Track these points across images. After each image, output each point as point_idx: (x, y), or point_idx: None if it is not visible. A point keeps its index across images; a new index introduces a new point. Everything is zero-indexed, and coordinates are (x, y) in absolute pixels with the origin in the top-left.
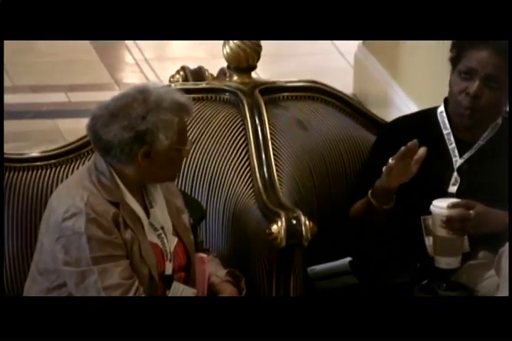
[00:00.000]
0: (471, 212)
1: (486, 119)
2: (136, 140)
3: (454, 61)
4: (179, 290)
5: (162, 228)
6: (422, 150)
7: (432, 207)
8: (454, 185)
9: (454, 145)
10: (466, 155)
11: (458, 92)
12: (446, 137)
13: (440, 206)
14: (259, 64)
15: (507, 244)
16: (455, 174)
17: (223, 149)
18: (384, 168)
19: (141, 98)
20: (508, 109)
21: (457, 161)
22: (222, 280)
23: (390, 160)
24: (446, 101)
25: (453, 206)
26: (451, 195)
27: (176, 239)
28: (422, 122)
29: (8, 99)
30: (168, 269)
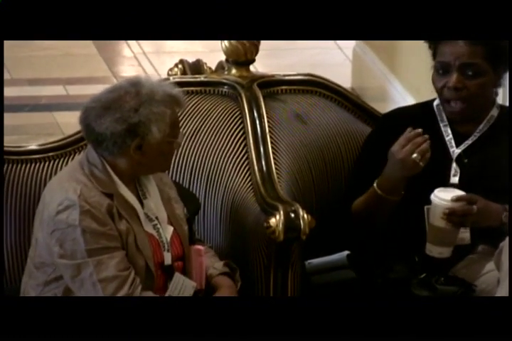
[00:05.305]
0: (474, 206)
1: (479, 110)
2: (129, 132)
3: (433, 58)
4: (180, 281)
5: (157, 218)
6: (425, 145)
7: (433, 197)
8: (454, 176)
9: (451, 136)
10: (463, 146)
11: (440, 88)
12: (443, 129)
13: (443, 198)
14: (257, 57)
15: (507, 238)
16: (454, 165)
17: (221, 142)
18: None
19: (134, 90)
20: (501, 101)
21: (454, 152)
22: (220, 273)
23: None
24: None
25: (457, 199)
26: (454, 186)
27: (171, 229)
28: (420, 114)
29: (6, 92)
30: (167, 259)
